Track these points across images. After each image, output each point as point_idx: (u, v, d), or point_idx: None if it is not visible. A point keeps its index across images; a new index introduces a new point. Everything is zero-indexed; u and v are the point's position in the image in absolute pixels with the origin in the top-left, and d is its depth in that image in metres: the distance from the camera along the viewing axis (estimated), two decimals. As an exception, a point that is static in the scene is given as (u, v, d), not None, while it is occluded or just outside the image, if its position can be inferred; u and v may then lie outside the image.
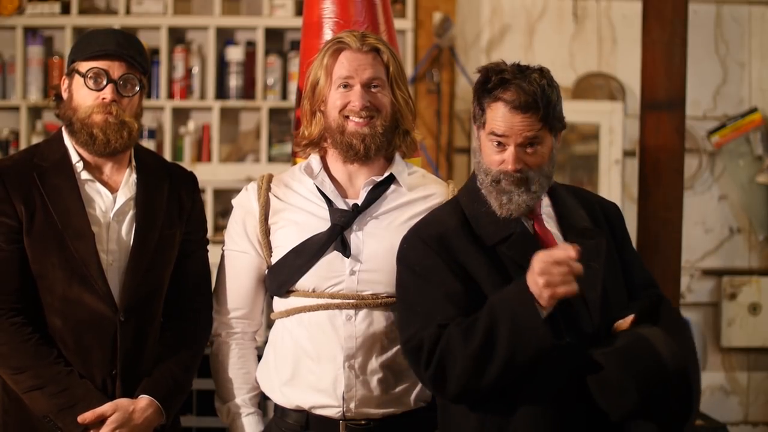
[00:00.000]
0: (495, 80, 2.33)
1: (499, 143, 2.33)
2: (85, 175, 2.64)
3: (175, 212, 2.71)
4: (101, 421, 2.54)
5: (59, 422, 2.53)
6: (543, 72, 2.35)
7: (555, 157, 2.40)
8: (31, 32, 5.04)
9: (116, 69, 2.60)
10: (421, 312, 2.34)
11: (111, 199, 2.64)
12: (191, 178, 2.80)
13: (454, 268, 2.34)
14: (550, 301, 2.21)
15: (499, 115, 2.31)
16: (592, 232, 2.40)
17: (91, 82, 2.60)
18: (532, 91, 2.30)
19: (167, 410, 2.61)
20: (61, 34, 5.06)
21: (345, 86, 2.56)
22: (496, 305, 2.25)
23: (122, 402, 2.56)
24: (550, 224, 2.42)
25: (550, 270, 2.19)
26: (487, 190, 2.36)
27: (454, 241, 2.37)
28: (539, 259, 2.20)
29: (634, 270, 2.48)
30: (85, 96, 2.61)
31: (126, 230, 2.63)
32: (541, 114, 2.30)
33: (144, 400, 2.58)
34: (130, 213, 2.65)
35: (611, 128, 5.03)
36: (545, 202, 2.45)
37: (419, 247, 2.39)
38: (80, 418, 2.52)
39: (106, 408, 2.54)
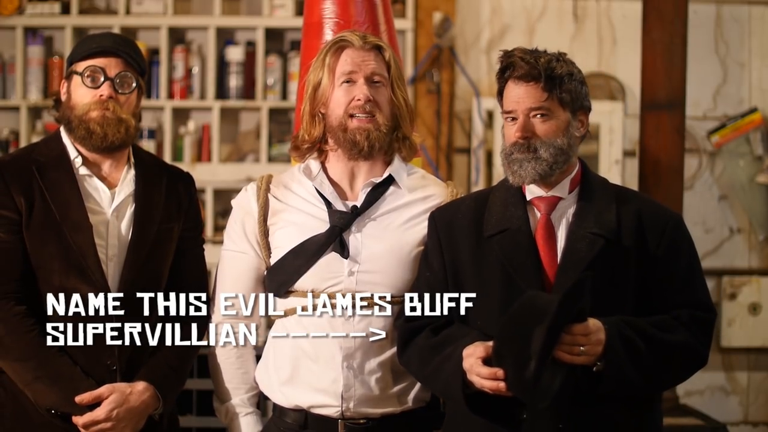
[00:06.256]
0: (505, 63, 2.38)
1: (513, 119, 2.37)
2: (83, 170, 2.66)
3: (173, 207, 2.72)
4: (96, 404, 2.55)
5: (66, 410, 2.54)
6: (558, 54, 2.39)
7: (573, 135, 2.39)
8: (31, 32, 5.04)
9: (113, 66, 2.62)
10: (414, 287, 2.49)
11: (109, 195, 2.65)
12: (188, 176, 2.82)
13: (447, 255, 2.43)
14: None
15: (509, 92, 2.37)
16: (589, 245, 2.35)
17: (88, 80, 2.62)
18: (534, 62, 2.33)
19: (164, 396, 2.62)
20: (61, 34, 5.05)
21: (348, 81, 2.56)
22: (444, 366, 2.33)
23: (119, 384, 2.58)
24: (563, 224, 2.39)
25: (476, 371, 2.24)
26: (504, 167, 2.40)
27: (457, 229, 2.44)
28: (469, 363, 2.25)
29: (673, 288, 2.39)
30: (83, 94, 2.63)
31: (125, 225, 2.65)
32: (543, 83, 2.33)
33: (141, 384, 2.59)
34: (130, 209, 2.66)
35: (611, 128, 5.03)
36: (571, 199, 2.41)
37: (431, 224, 2.51)
38: (78, 399, 2.54)
39: (102, 390, 2.56)
